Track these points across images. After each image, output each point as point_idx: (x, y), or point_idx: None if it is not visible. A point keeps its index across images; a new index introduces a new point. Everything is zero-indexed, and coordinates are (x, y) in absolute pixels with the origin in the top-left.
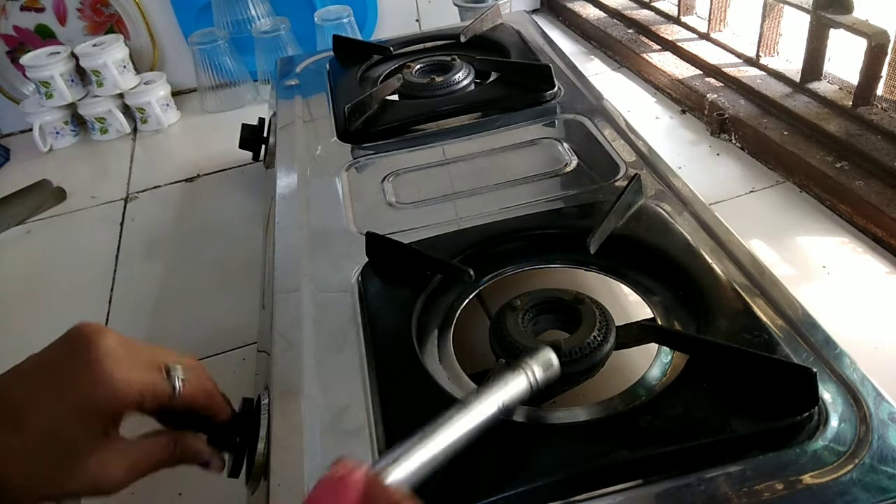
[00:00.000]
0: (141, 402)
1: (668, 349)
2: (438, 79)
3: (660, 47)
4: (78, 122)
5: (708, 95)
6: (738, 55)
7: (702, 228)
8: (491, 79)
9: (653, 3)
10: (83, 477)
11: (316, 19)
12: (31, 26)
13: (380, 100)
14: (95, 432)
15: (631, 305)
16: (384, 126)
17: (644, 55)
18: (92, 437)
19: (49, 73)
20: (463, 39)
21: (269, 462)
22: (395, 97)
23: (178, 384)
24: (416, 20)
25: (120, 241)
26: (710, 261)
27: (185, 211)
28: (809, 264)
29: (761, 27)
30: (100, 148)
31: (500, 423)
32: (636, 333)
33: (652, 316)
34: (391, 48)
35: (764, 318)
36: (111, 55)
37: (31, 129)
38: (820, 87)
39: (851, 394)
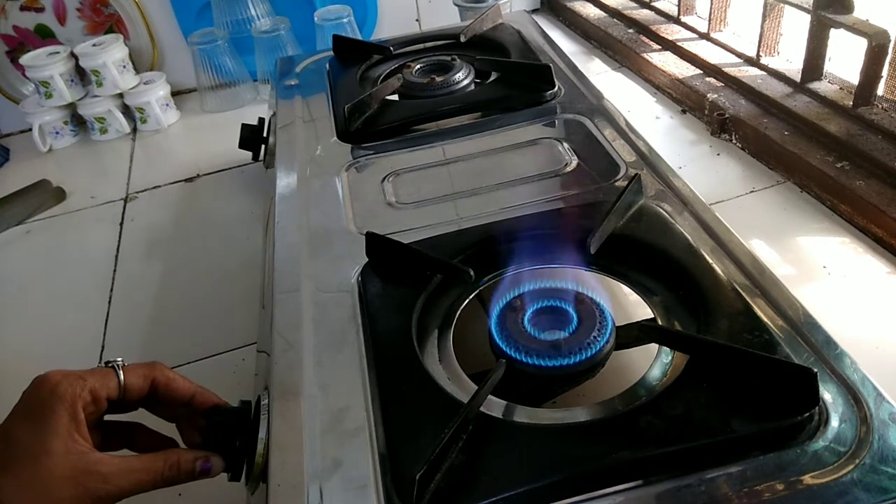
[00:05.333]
0: (93, 393)
1: (668, 349)
2: (438, 79)
3: (660, 47)
4: (77, 122)
5: (708, 95)
6: (739, 55)
7: (702, 228)
8: (491, 79)
9: (653, 3)
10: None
11: (316, 19)
12: (31, 26)
13: (380, 100)
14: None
15: (631, 305)
16: (384, 126)
17: (644, 55)
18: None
19: (49, 73)
20: (463, 39)
21: (268, 463)
22: (395, 97)
23: (119, 371)
24: (416, 20)
25: (120, 241)
26: (710, 261)
27: (185, 211)
28: (810, 264)
29: (761, 27)
30: (99, 148)
31: (501, 424)
32: (636, 333)
33: (652, 316)
34: (391, 48)
35: (764, 319)
36: (111, 55)
37: (30, 129)
38: (820, 87)
39: (852, 394)
